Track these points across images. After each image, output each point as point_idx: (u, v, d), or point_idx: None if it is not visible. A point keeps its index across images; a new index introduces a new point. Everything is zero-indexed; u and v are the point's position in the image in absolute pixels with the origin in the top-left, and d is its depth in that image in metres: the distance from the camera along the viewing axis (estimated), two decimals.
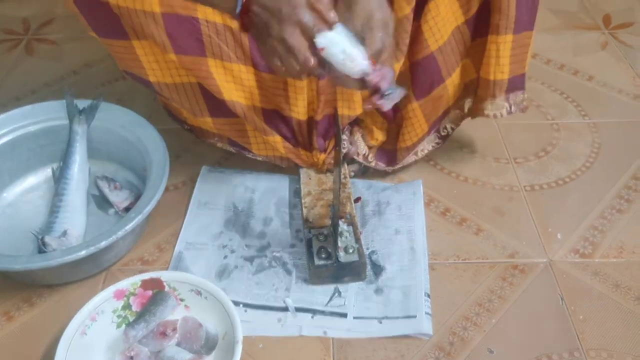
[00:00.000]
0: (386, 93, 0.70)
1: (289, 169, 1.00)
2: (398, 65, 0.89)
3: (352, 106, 0.91)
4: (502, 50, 0.88)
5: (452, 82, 0.93)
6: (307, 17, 0.67)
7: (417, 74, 0.90)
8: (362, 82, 0.70)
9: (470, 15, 0.87)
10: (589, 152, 1.08)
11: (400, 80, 0.92)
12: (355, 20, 0.69)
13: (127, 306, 0.79)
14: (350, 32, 0.68)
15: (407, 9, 0.81)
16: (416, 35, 0.87)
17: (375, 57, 0.69)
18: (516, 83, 0.93)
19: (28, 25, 1.43)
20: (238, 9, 0.70)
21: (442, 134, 1.01)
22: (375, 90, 0.71)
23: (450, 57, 0.90)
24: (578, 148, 1.09)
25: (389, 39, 0.71)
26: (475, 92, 0.96)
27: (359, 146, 0.99)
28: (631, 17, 1.46)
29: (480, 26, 0.89)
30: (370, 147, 1.00)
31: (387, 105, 0.72)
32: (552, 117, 1.16)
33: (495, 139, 1.10)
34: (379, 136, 1.00)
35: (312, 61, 0.68)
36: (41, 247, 0.83)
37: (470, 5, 0.86)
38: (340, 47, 0.68)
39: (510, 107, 0.95)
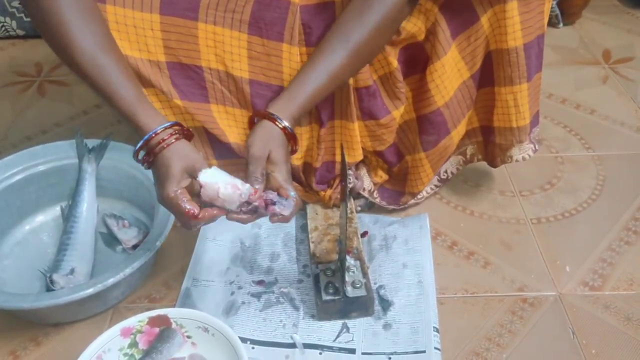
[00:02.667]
0: (275, 203, 0.73)
1: None
2: (398, 113, 0.92)
3: (351, 154, 0.93)
4: (520, 99, 0.90)
5: (457, 132, 0.94)
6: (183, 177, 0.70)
7: (424, 127, 0.92)
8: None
9: (475, 70, 0.89)
10: (594, 184, 1.09)
11: (407, 130, 0.95)
12: (253, 166, 0.74)
13: (133, 344, 0.79)
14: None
15: (395, 64, 0.87)
16: (423, 91, 0.89)
17: (285, 183, 0.74)
18: (534, 121, 0.95)
19: (40, 67, 1.47)
20: (136, 148, 0.71)
21: (442, 177, 1.02)
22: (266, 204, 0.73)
23: (456, 110, 0.92)
24: (583, 180, 1.09)
25: (286, 172, 0.76)
26: (485, 140, 0.98)
27: (365, 181, 0.99)
28: (631, 52, 1.48)
29: (483, 77, 0.91)
30: (375, 184, 1.01)
31: (277, 210, 0.73)
32: (556, 150, 1.17)
33: (500, 172, 1.10)
34: (383, 175, 1.01)
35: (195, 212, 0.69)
36: (49, 285, 0.83)
37: (475, 61, 0.88)
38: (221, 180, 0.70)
39: (535, 146, 0.96)
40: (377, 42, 0.82)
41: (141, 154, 0.70)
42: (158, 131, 0.69)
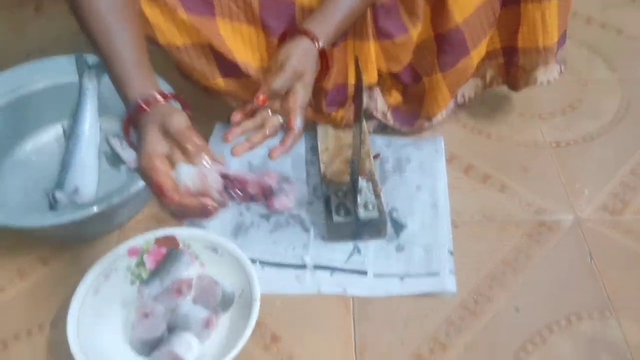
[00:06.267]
0: (275, 190, 0.64)
1: (305, 125, 0.96)
2: (416, 32, 0.86)
3: (365, 75, 0.88)
4: (548, 17, 0.84)
5: (477, 53, 0.89)
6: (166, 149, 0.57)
7: (442, 46, 0.87)
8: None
9: None
10: (618, 107, 1.04)
11: (424, 50, 0.89)
12: (284, 77, 0.68)
13: (140, 264, 0.77)
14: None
15: None
16: (441, 6, 0.83)
17: (300, 110, 0.68)
18: (561, 41, 0.89)
19: None
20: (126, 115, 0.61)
21: (459, 101, 0.97)
22: (251, 197, 0.62)
23: (477, 29, 0.86)
24: (606, 104, 1.05)
25: (308, 97, 0.71)
26: (507, 62, 0.92)
27: (378, 102, 0.95)
28: None
29: None
30: (388, 105, 0.96)
31: (277, 204, 0.65)
32: (579, 72, 1.11)
33: (519, 95, 1.05)
34: (397, 96, 0.96)
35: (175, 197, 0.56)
36: (52, 204, 0.81)
37: None
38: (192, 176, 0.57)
39: (561, 67, 0.91)
40: None
41: (126, 119, 0.59)
42: (146, 94, 0.58)
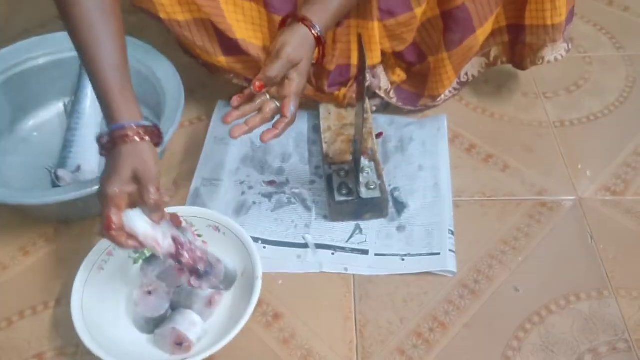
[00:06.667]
0: (203, 273, 0.68)
1: (307, 104, 0.96)
2: (420, 10, 0.85)
3: (369, 55, 0.87)
4: None
5: (483, 31, 0.87)
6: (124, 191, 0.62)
7: (448, 24, 0.86)
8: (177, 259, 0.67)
9: None
10: (623, 86, 1.03)
11: (430, 28, 0.88)
12: (280, 65, 0.68)
13: None
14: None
15: None
16: None
17: (294, 97, 0.70)
18: (569, 18, 0.88)
19: None
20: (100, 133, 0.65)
21: (462, 80, 0.96)
22: (192, 270, 0.68)
23: (484, 6, 0.84)
24: (612, 82, 1.04)
25: (304, 84, 0.72)
26: (513, 40, 0.91)
27: (381, 80, 0.94)
28: None
29: None
30: (392, 83, 0.95)
31: (204, 286, 0.69)
32: (584, 50, 1.10)
33: (523, 73, 1.04)
34: (401, 74, 0.96)
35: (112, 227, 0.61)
36: (54, 181, 0.81)
37: None
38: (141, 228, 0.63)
39: (568, 45, 0.90)
40: None
41: (105, 139, 0.64)
42: (126, 126, 0.62)
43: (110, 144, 0.63)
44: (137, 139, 0.62)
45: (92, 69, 0.64)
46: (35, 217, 0.85)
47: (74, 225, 0.84)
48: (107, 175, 0.62)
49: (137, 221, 0.63)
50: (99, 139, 0.64)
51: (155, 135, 0.64)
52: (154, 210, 0.63)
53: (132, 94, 0.65)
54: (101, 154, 0.65)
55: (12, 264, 0.81)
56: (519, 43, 0.91)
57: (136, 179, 0.62)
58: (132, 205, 0.63)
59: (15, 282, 0.79)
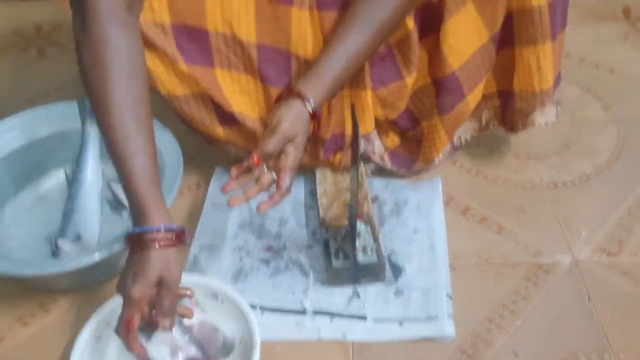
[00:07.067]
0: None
1: (304, 169, 0.98)
2: (411, 79, 0.88)
3: (362, 124, 0.90)
4: (543, 60, 0.85)
5: (473, 97, 0.90)
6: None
7: (439, 91, 0.89)
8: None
9: (495, 31, 0.85)
10: (613, 146, 1.05)
11: (422, 95, 0.91)
12: (276, 140, 0.71)
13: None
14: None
15: (412, 26, 0.82)
16: (437, 53, 0.85)
17: (290, 171, 0.73)
18: (556, 82, 0.91)
19: (40, 28, 1.43)
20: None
21: (455, 144, 0.99)
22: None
23: (473, 74, 0.88)
24: (601, 143, 1.06)
25: (299, 157, 0.75)
26: (503, 105, 0.94)
27: (375, 145, 0.96)
28: None
29: (502, 37, 0.86)
30: (386, 148, 0.98)
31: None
32: (572, 112, 1.13)
33: (514, 136, 1.06)
34: (395, 139, 0.98)
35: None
36: (54, 252, 0.82)
37: (496, 21, 0.84)
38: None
39: (557, 109, 0.92)
40: (403, 15, 0.79)
41: (134, 238, 0.66)
42: (156, 229, 0.64)
43: (139, 245, 0.64)
44: (166, 244, 0.64)
45: (123, 169, 0.66)
46: (34, 286, 0.85)
47: (72, 294, 0.84)
48: (134, 277, 0.64)
49: (154, 353, 0.68)
50: (126, 238, 0.66)
51: (182, 238, 0.67)
52: (166, 315, 0.65)
53: (161, 194, 0.67)
54: (129, 255, 0.67)
55: (9, 335, 0.80)
56: (509, 107, 0.93)
57: (160, 283, 0.64)
58: (151, 306, 0.65)
59: (13, 353, 0.79)
